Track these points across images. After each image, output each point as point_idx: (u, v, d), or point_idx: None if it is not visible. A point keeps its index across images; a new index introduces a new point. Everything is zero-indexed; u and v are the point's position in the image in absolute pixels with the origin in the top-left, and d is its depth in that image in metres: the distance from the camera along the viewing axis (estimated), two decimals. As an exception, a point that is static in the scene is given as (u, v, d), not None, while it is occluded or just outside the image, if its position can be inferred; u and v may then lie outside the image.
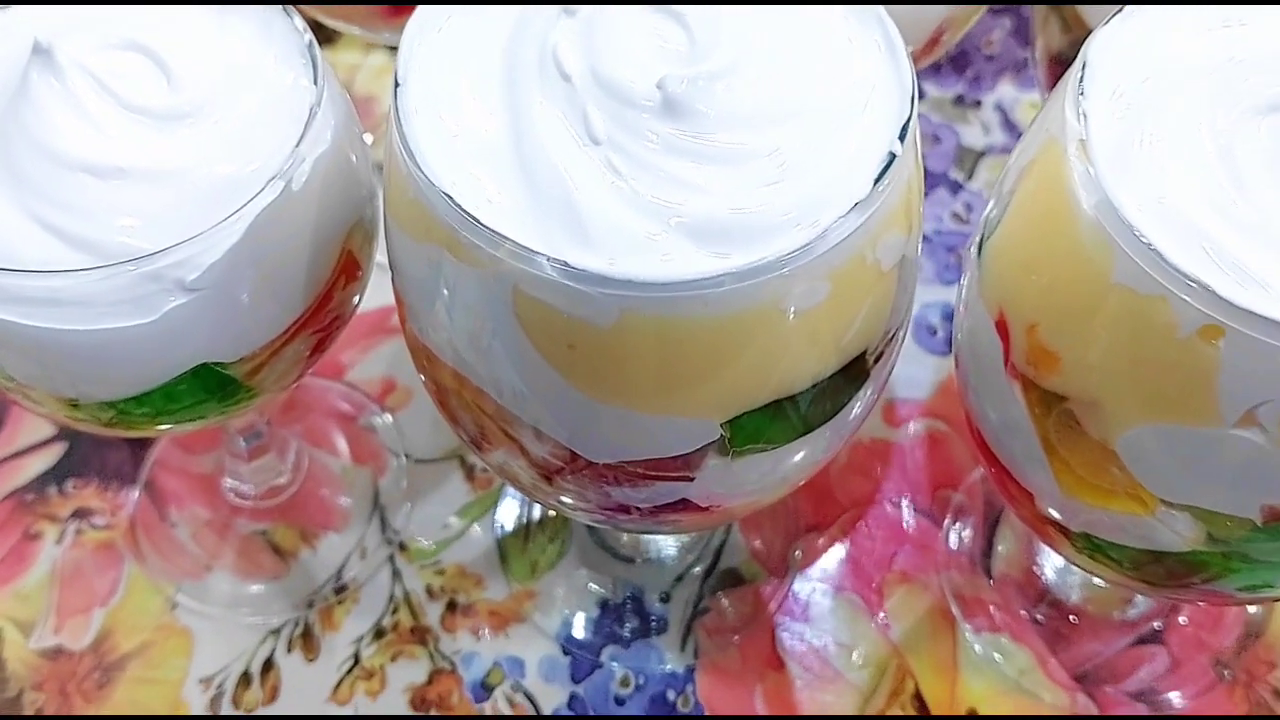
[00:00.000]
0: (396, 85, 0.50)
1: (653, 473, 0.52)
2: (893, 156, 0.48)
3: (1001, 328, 0.54)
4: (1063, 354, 0.50)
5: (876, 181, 0.47)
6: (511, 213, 0.47)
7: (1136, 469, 0.50)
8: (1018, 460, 0.56)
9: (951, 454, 0.81)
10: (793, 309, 0.47)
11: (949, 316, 0.88)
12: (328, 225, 0.57)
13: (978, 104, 0.99)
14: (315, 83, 0.55)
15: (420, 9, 0.52)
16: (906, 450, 0.82)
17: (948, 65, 1.00)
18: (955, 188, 0.95)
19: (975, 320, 0.56)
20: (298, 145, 0.53)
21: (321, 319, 0.59)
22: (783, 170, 0.47)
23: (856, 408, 0.56)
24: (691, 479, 0.53)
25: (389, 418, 0.83)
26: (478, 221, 0.46)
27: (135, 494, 0.80)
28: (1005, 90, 1.00)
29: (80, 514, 0.79)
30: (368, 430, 0.83)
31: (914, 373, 0.86)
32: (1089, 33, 0.67)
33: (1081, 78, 0.50)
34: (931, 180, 0.95)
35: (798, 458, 0.55)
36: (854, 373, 0.53)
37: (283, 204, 0.53)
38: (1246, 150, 0.48)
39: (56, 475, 0.81)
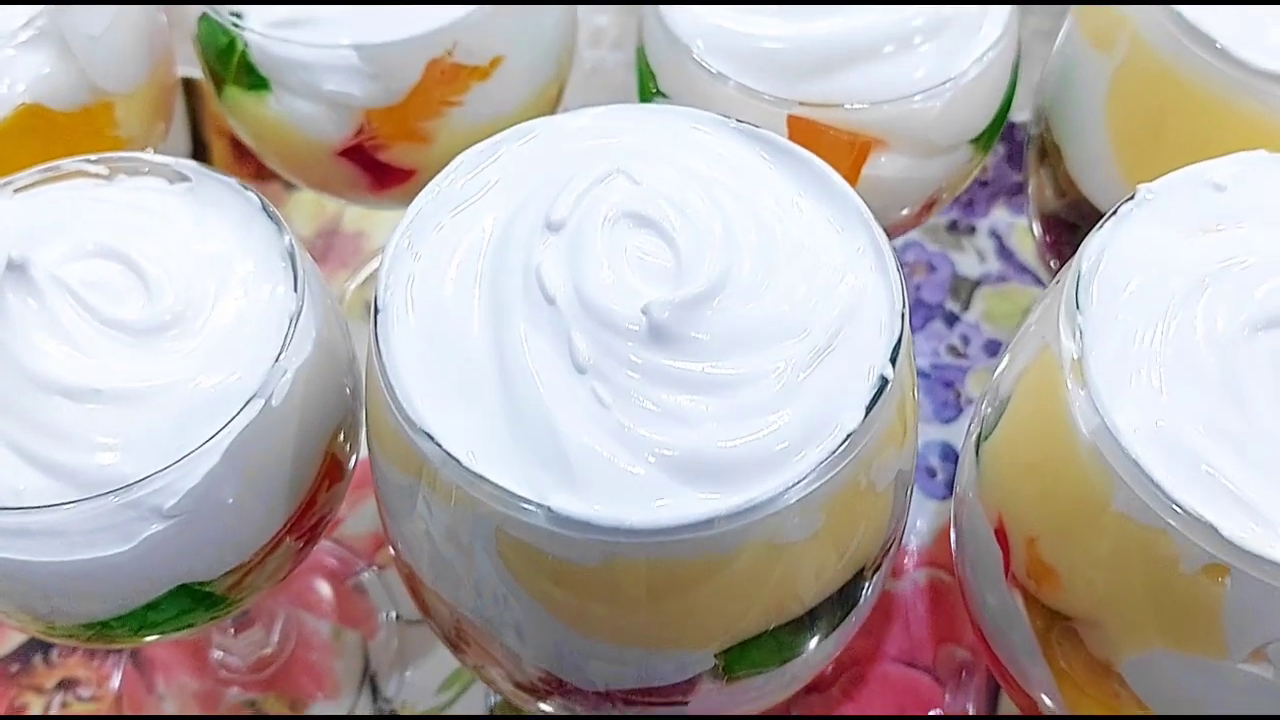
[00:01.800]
0: (376, 311, 0.49)
1: (644, 699, 0.51)
2: (884, 382, 0.47)
3: (1001, 536, 0.52)
4: (1063, 573, 0.49)
5: (868, 409, 0.46)
6: (494, 450, 0.45)
7: (1143, 691, 0.49)
8: (1019, 661, 0.55)
9: (954, 606, 0.80)
10: (785, 542, 0.46)
11: (948, 457, 0.87)
12: (310, 433, 0.55)
13: (972, 230, 0.98)
14: (296, 289, 0.54)
15: (398, 231, 0.51)
16: (908, 603, 0.80)
17: (941, 191, 0.99)
18: (951, 319, 0.94)
19: (974, 520, 0.55)
20: (278, 359, 0.52)
21: (305, 523, 0.58)
22: (771, 398, 0.46)
23: (854, 616, 0.54)
24: (686, 703, 0.51)
25: (378, 575, 0.82)
26: (458, 462, 0.45)
27: (122, 663, 0.78)
28: (999, 216, 0.99)
29: (66, 685, 0.78)
30: (357, 590, 0.81)
31: (913, 518, 0.84)
32: (1082, 198, 0.67)
33: (1076, 290, 0.49)
34: (926, 311, 0.94)
35: (798, 668, 0.54)
36: (852, 587, 0.51)
37: (263, 421, 0.52)
38: (1249, 369, 0.46)
39: (42, 642, 0.79)
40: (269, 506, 0.55)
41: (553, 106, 0.73)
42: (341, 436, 0.58)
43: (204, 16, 0.64)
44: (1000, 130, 0.68)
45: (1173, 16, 0.58)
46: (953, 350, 0.93)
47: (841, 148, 0.62)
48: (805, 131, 0.61)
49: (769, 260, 0.49)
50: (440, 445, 0.45)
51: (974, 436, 0.56)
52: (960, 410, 0.89)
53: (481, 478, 0.44)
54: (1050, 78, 0.69)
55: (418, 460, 0.47)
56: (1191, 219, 0.51)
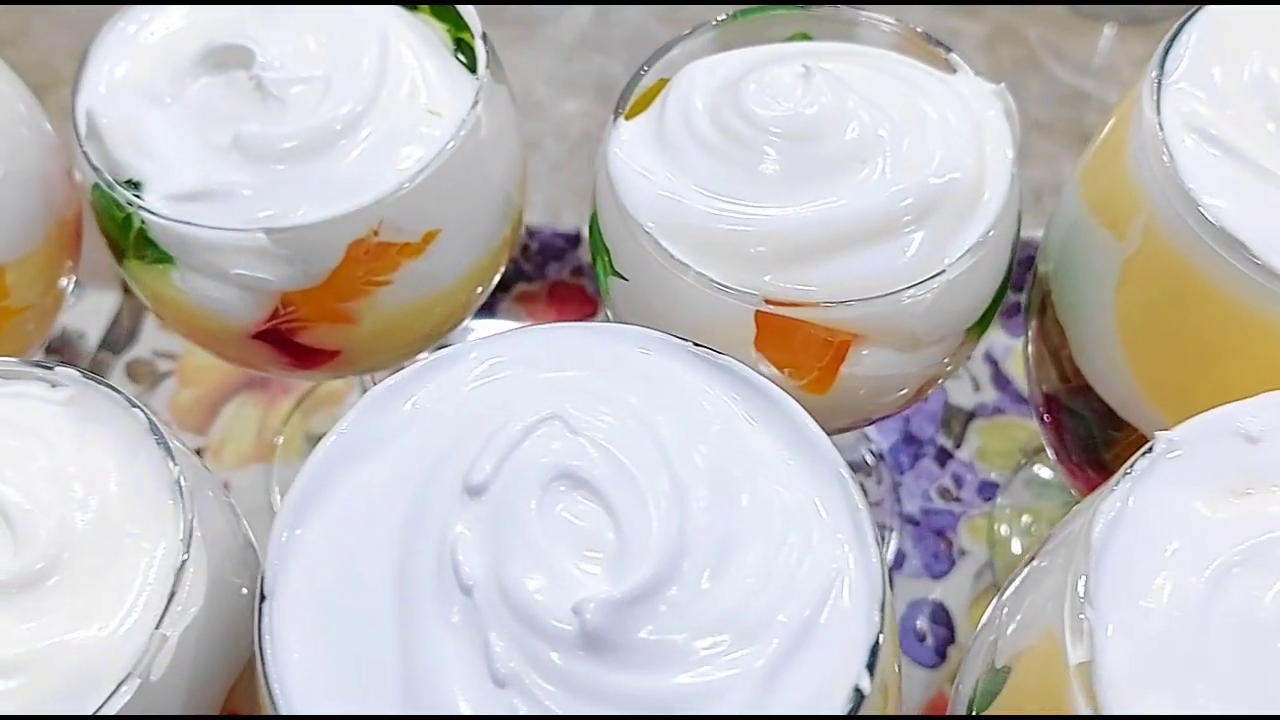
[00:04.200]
0: (262, 599, 0.41)
1: None
2: (860, 697, 0.39)
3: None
4: None
5: (841, 731, 0.39)
6: (396, 783, 0.38)
7: None
8: None
9: (944, 798, 0.73)
10: None
11: (939, 619, 0.80)
12: (202, 700, 0.48)
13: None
14: (183, 536, 0.47)
15: (293, 492, 0.44)
16: (893, 796, 0.73)
17: (932, 310, 0.92)
18: (943, 457, 0.87)
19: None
20: (157, 626, 0.45)
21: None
22: (732, 721, 0.39)
23: None
24: None
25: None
26: (351, 808, 0.38)
27: None
28: (995, 338, 0.91)
29: None
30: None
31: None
32: (1089, 388, 0.59)
33: (1086, 575, 0.41)
34: (916, 448, 0.87)
35: None
36: None
37: (142, 700, 0.44)
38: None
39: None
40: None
41: (500, 268, 0.65)
42: (245, 691, 0.51)
43: (96, 186, 0.57)
44: (998, 311, 0.61)
45: (1191, 209, 0.51)
46: (945, 493, 0.85)
47: (817, 346, 0.54)
48: (776, 329, 0.54)
49: (727, 537, 0.42)
50: (331, 781, 0.38)
51: (966, 701, 0.49)
52: (953, 563, 0.82)
53: (376, 829, 0.37)
54: (1054, 241, 0.62)
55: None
56: (1219, 478, 0.44)
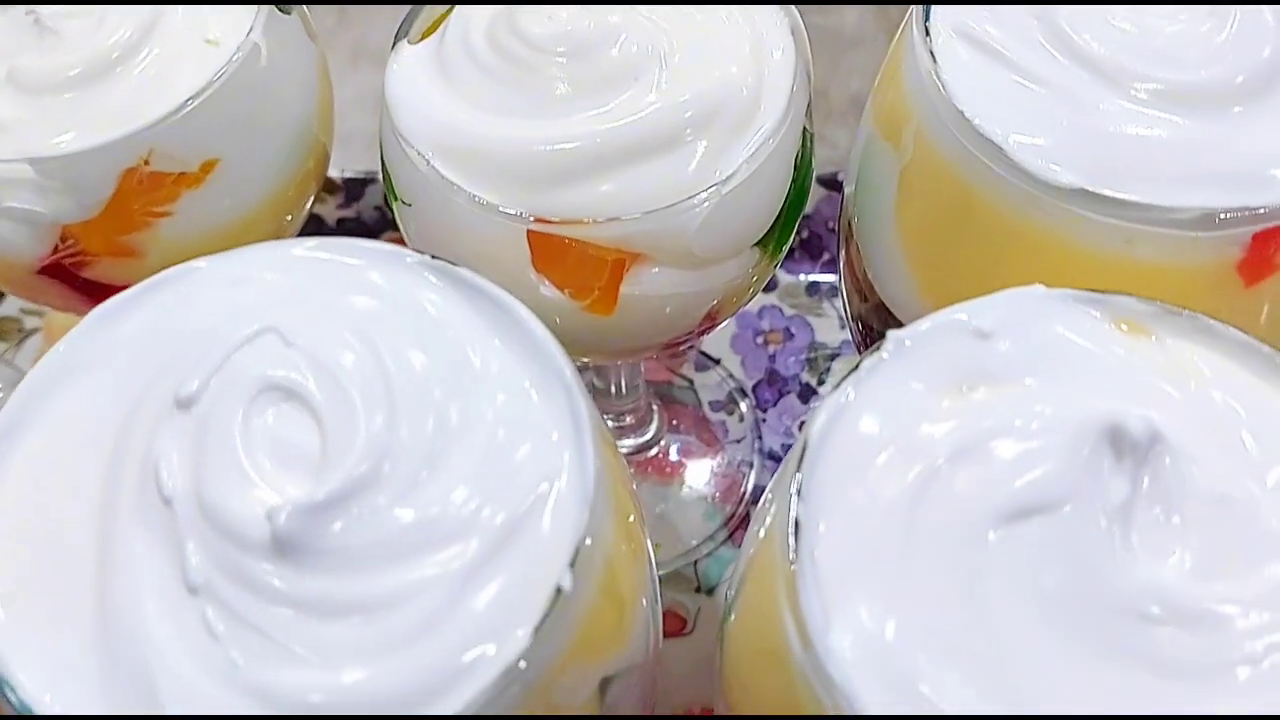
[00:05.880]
0: (-36, 511, 0.41)
1: None
2: (559, 592, 0.39)
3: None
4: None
5: (538, 629, 0.38)
6: (82, 693, 0.38)
7: None
8: None
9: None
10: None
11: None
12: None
13: (834, 293, 0.90)
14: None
15: (11, 403, 0.43)
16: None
17: (799, 248, 0.91)
18: (807, 393, 0.86)
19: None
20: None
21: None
22: (420, 624, 0.39)
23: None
24: None
25: None
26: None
27: None
28: (864, 275, 0.91)
29: None
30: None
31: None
32: (883, 305, 0.59)
33: (799, 472, 0.41)
34: (781, 385, 0.87)
35: None
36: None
37: None
38: (994, 570, 0.39)
39: None
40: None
41: (307, 198, 0.65)
42: None
43: None
44: (793, 229, 0.60)
45: (954, 114, 0.50)
46: (806, 430, 0.85)
47: (593, 266, 0.54)
48: (550, 249, 0.53)
49: (439, 441, 0.42)
50: (15, 692, 0.38)
51: (721, 611, 0.49)
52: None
53: (58, 739, 0.37)
54: (853, 163, 0.61)
55: None
56: (947, 375, 0.43)
